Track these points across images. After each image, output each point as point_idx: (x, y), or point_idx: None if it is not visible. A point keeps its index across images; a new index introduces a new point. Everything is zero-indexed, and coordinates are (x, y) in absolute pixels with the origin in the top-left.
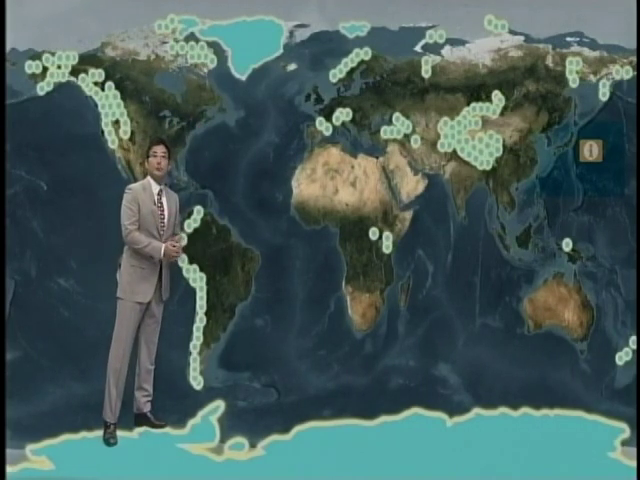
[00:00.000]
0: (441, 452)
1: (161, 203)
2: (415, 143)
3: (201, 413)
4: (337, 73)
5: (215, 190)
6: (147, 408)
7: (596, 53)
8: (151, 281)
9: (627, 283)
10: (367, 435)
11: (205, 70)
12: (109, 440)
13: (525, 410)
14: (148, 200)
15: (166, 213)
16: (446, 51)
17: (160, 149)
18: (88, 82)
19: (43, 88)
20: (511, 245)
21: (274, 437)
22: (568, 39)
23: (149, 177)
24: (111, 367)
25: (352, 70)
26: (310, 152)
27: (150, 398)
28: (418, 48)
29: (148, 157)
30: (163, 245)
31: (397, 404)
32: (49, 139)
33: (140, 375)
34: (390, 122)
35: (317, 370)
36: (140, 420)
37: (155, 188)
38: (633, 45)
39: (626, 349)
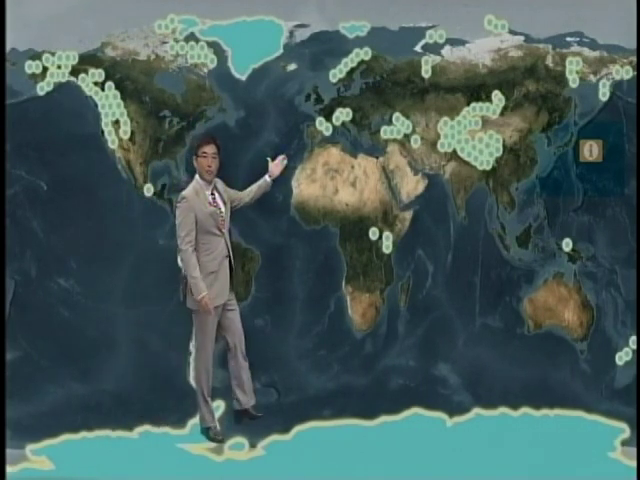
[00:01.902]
0: (441, 452)
1: (216, 202)
2: (415, 143)
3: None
4: (337, 73)
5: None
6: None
7: (596, 53)
8: (224, 280)
9: (627, 283)
10: (367, 435)
11: (205, 70)
12: (217, 438)
13: (525, 410)
14: (204, 204)
15: (223, 209)
16: (446, 51)
17: (210, 149)
18: (88, 82)
19: (43, 88)
20: (511, 245)
21: (274, 437)
22: (568, 39)
23: (198, 177)
24: (198, 378)
25: (352, 70)
26: (310, 152)
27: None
28: (418, 48)
29: (197, 157)
30: (205, 293)
31: (397, 404)
32: (49, 139)
33: (236, 371)
34: (390, 122)
35: (317, 370)
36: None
37: (208, 189)
38: (633, 45)
39: (626, 349)
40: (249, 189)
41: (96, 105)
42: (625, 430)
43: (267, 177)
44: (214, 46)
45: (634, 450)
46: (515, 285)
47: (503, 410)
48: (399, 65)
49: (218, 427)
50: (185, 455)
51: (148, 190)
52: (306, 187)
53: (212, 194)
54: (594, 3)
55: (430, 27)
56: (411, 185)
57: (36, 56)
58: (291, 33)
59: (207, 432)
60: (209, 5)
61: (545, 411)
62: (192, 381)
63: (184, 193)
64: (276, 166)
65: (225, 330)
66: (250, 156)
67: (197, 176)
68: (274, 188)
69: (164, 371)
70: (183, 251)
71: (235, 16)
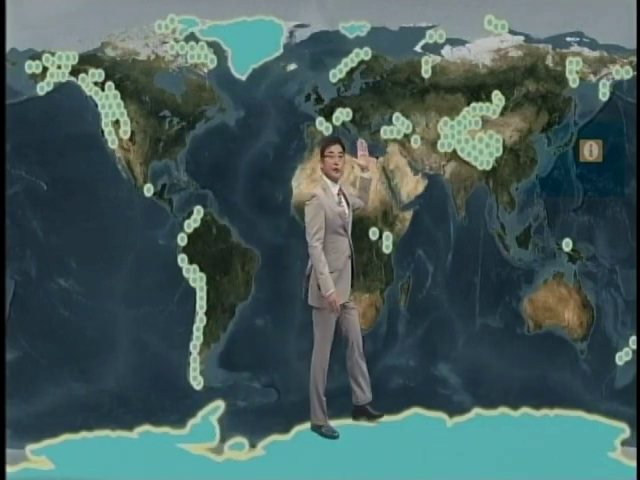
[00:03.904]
0: (441, 452)
1: (343, 203)
2: (415, 143)
3: (201, 413)
4: (337, 73)
5: (215, 190)
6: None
7: (596, 53)
8: (347, 279)
9: (627, 283)
10: (367, 435)
11: (205, 70)
12: (334, 435)
13: (525, 410)
14: (332, 203)
15: (347, 212)
16: (446, 51)
17: (337, 149)
18: (88, 82)
19: (43, 88)
20: (511, 245)
21: (274, 437)
22: (568, 39)
23: (325, 178)
24: (317, 372)
25: (352, 70)
26: (310, 152)
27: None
28: (418, 48)
29: (323, 157)
30: (333, 290)
31: (397, 404)
32: (49, 139)
33: (354, 368)
34: (390, 122)
35: None
36: (358, 413)
37: (334, 189)
38: (633, 45)
39: (626, 349)
40: (356, 192)
41: (96, 105)
42: (625, 430)
43: (362, 173)
44: (214, 46)
45: (634, 450)
46: (515, 285)
47: (503, 410)
48: (399, 65)
49: (330, 424)
50: (185, 455)
51: (148, 190)
52: (306, 187)
53: (339, 195)
54: (594, 3)
55: (430, 27)
56: (411, 185)
57: (36, 56)
58: (291, 33)
59: (319, 430)
60: (209, 5)
61: (545, 411)
62: (311, 376)
63: (314, 191)
64: (362, 157)
65: (345, 328)
66: (250, 156)
67: (324, 177)
68: (274, 188)
69: (164, 371)
70: (313, 248)
71: (235, 16)
